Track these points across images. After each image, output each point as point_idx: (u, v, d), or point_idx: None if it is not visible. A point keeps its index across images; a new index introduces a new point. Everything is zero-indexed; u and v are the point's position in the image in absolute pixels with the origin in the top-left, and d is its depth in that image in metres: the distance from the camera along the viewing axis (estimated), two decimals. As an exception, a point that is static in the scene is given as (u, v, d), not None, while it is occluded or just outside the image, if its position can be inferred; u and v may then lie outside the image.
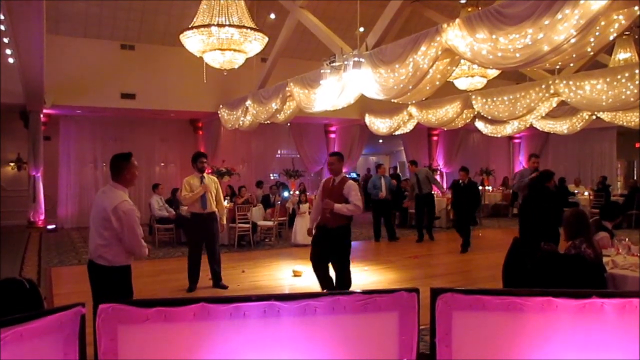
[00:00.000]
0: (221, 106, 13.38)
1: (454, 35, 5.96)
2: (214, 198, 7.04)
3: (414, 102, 10.69)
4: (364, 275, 8.06)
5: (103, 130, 14.79)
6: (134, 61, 13.03)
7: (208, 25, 7.04)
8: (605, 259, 4.70)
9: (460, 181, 10.35)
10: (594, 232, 5.14)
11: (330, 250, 5.89)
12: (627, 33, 9.98)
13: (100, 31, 12.53)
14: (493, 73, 9.51)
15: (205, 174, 7.12)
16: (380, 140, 20.22)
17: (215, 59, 7.68)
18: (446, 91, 10.31)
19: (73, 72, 12.21)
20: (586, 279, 4.30)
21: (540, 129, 13.76)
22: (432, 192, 11.53)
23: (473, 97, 10.73)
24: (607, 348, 1.76)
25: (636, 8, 4.71)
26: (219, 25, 7.00)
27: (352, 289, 6.96)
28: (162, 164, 15.99)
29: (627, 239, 5.35)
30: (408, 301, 1.77)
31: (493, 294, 1.80)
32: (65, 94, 12.27)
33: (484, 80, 10.02)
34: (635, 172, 19.44)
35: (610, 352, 1.77)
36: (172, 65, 12.93)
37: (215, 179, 7.35)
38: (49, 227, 13.23)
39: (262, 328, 1.64)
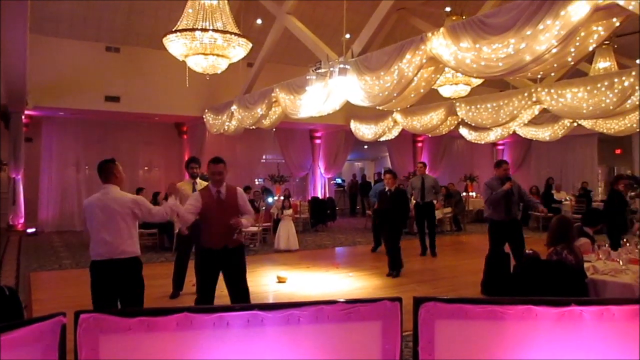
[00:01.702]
0: (206, 110, 13.34)
1: (439, 43, 6.03)
2: None
3: (399, 109, 10.76)
4: (349, 282, 8.07)
5: (86, 132, 14.64)
6: (119, 63, 12.93)
7: (192, 30, 7.03)
8: (586, 265, 4.78)
9: (387, 189, 8.42)
10: (576, 238, 5.23)
11: (236, 274, 5.19)
12: (606, 43, 10.16)
13: (85, 32, 12.42)
14: (477, 81, 9.62)
15: (198, 180, 6.82)
16: (366, 146, 20.30)
17: (198, 64, 7.67)
18: (431, 98, 10.41)
19: (56, 73, 12.08)
20: (568, 285, 4.36)
21: (523, 136, 13.93)
22: (434, 202, 10.46)
23: (457, 104, 10.84)
24: (586, 355, 1.78)
25: (614, 20, 4.81)
26: (203, 30, 7.00)
27: (336, 297, 6.96)
28: (146, 168, 15.89)
29: (607, 245, 5.45)
30: (391, 310, 1.78)
31: (475, 302, 1.82)
32: (48, 95, 12.13)
33: (468, 88, 10.13)
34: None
35: (588, 358, 1.80)
36: (157, 68, 12.85)
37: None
38: (29, 230, 13.05)
39: (246, 338, 1.64)
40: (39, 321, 1.52)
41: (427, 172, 10.51)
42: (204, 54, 7.09)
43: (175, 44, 7.02)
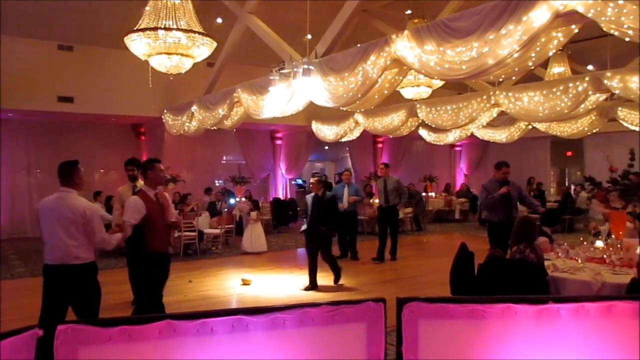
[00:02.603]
0: (165, 111, 13.09)
1: (403, 46, 6.09)
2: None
3: (361, 110, 10.82)
4: (314, 283, 8.06)
5: (38, 135, 14.10)
6: (73, 63, 12.51)
7: (155, 29, 6.87)
8: (546, 263, 4.92)
9: (314, 194, 7.85)
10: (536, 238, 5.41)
11: (165, 280, 5.30)
12: (561, 49, 10.49)
13: (36, 30, 11.94)
14: (438, 83, 9.77)
15: (139, 183, 6.19)
16: (326, 147, 20.36)
17: (161, 63, 7.51)
18: (392, 100, 10.49)
19: (5, 73, 11.55)
20: (531, 283, 4.48)
21: (481, 138, 14.27)
22: (397, 206, 10.03)
23: (418, 106, 10.99)
24: (564, 349, 1.83)
25: (573, 26, 4.97)
26: (166, 29, 6.85)
27: (301, 299, 6.96)
28: (102, 171, 15.46)
29: (565, 244, 5.63)
30: (375, 311, 1.78)
31: (457, 302, 1.84)
32: (-4, 95, 11.64)
33: (430, 90, 10.28)
34: (567, 179, 20.44)
35: (564, 354, 1.85)
36: (114, 68, 12.51)
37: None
38: (-23, 238, 12.49)
39: (231, 343, 1.61)
40: (12, 335, 1.44)
41: (389, 174, 10.12)
42: (167, 53, 6.94)
43: (137, 43, 6.84)
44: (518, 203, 7.28)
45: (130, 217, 4.75)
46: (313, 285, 7.60)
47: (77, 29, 12.23)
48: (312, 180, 8.28)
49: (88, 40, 12.54)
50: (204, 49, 7.11)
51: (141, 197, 4.91)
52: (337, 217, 8.19)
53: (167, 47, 6.85)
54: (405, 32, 6.07)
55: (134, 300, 5.77)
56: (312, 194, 7.91)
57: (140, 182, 6.10)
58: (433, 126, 11.81)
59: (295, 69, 7.65)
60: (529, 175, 17.18)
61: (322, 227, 7.57)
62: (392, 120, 11.91)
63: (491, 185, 7.03)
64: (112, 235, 4.44)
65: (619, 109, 10.88)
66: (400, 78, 7.22)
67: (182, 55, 7.07)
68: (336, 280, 7.84)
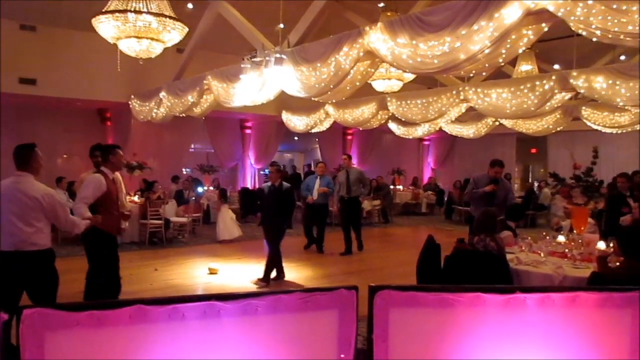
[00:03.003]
0: (132, 97, 12.82)
1: (376, 38, 6.10)
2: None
3: (333, 101, 10.82)
4: (281, 273, 8.05)
5: (-2, 118, 13.66)
6: (35, 44, 12.09)
7: (124, 11, 6.70)
8: (510, 256, 5.04)
9: (271, 184, 7.65)
10: (498, 230, 5.54)
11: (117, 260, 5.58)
12: (529, 47, 10.69)
13: (-4, 8, 11.52)
14: (409, 76, 9.83)
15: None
16: (296, 138, 20.30)
17: (131, 47, 7.32)
18: (363, 92, 10.51)
19: (-39, 53, 11.14)
20: (495, 273, 4.59)
21: (449, 132, 14.43)
22: (360, 197, 9.98)
23: (388, 99, 11.05)
24: (530, 337, 1.88)
25: (543, 25, 5.06)
26: (136, 12, 6.69)
27: (269, 288, 6.95)
28: (65, 156, 15.08)
29: (529, 238, 5.77)
30: (347, 298, 1.79)
31: (427, 290, 1.86)
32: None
33: (401, 83, 10.33)
34: (530, 175, 20.92)
35: (531, 341, 1.90)
36: (79, 50, 12.14)
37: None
38: None
39: (202, 329, 1.59)
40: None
41: (354, 165, 9.98)
42: (137, 37, 6.78)
43: (105, 26, 6.65)
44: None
45: (92, 194, 4.82)
46: (278, 274, 7.58)
47: (40, 9, 11.80)
48: (269, 169, 7.94)
49: (52, 21, 12.14)
50: (175, 33, 6.97)
51: (105, 178, 4.99)
52: (291, 210, 7.90)
53: (137, 30, 6.69)
54: (379, 24, 6.08)
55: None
56: (269, 183, 7.68)
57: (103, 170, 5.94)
58: (403, 120, 11.89)
59: (267, 58, 7.58)
60: (475, 174, 17.50)
61: (276, 219, 7.39)
62: (363, 113, 11.94)
63: (481, 180, 6.91)
64: (81, 222, 4.44)
65: (583, 108, 11.16)
66: (372, 70, 7.24)
67: (152, 39, 6.92)
68: (278, 276, 7.53)
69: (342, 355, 1.78)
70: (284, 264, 7.69)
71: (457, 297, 1.86)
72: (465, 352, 1.84)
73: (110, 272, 5.28)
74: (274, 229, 7.49)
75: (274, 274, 7.51)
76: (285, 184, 7.75)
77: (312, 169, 19.60)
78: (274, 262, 7.48)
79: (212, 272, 7.83)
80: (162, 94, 11.19)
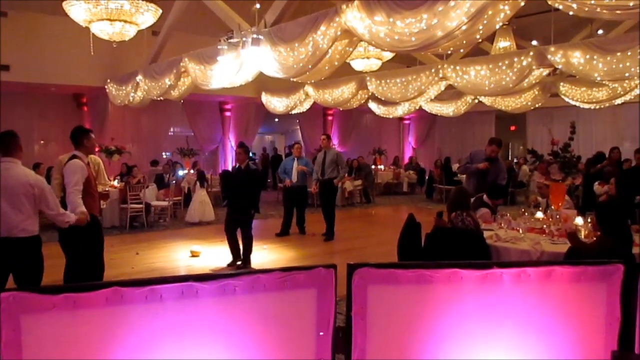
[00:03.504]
0: (109, 81, 12.61)
1: (353, 16, 6.05)
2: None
3: (312, 81, 10.75)
4: (263, 254, 8.09)
5: (-29, 104, 13.34)
6: (8, 29, 11.76)
7: (95, -7, 6.56)
8: (489, 233, 5.11)
9: (237, 165, 7.50)
10: (473, 207, 5.63)
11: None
12: (506, 23, 10.69)
13: (-34, -6, 11.21)
14: (388, 55, 9.80)
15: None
16: (276, 119, 20.23)
17: (103, 30, 7.20)
18: (343, 72, 10.47)
19: None
20: (473, 249, 4.65)
21: (429, 111, 14.49)
22: (334, 180, 9.45)
23: (368, 78, 11.03)
24: (506, 311, 1.91)
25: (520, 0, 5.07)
26: (108, -6, 6.56)
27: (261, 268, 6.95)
28: (42, 142, 14.83)
29: (508, 215, 5.84)
30: (326, 277, 1.79)
31: (405, 267, 1.88)
32: None
33: (379, 62, 10.31)
34: (509, 153, 21.13)
35: (507, 315, 1.93)
36: (52, 35, 11.89)
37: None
38: None
39: (180, 310, 1.59)
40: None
41: (333, 146, 9.57)
42: (109, 19, 6.65)
43: (77, 9, 6.51)
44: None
45: (80, 181, 4.82)
46: (234, 259, 7.33)
47: (11, -6, 11.52)
48: (237, 149, 7.53)
49: (24, 6, 11.84)
50: (148, 15, 6.86)
51: (84, 164, 4.99)
52: (258, 192, 7.57)
53: (109, 13, 6.56)
54: (355, 2, 6.02)
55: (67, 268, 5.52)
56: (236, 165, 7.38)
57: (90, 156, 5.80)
58: (382, 99, 11.90)
59: (244, 39, 7.50)
60: (472, 149, 17.64)
61: (242, 202, 7.12)
62: (342, 93, 11.91)
63: (477, 155, 6.91)
64: (71, 217, 4.47)
65: (561, 84, 11.27)
66: (351, 49, 7.20)
67: (125, 22, 6.79)
68: (244, 263, 7.26)
69: (321, 333, 1.79)
70: (271, 245, 7.74)
71: (435, 273, 1.87)
72: (443, 327, 1.86)
73: (95, 255, 5.22)
74: (241, 213, 7.21)
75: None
76: (252, 165, 7.55)
77: (291, 150, 19.56)
78: (250, 244, 7.28)
79: (194, 254, 7.82)
80: (139, 78, 11.03)
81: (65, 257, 5.28)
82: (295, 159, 9.76)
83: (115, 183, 11.02)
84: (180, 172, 12.96)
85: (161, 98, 11.15)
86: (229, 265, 7.28)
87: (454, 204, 5.03)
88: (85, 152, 5.12)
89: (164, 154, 16.64)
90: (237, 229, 7.24)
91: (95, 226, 5.18)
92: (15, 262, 4.08)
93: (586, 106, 11.92)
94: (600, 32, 11.72)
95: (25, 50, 11.83)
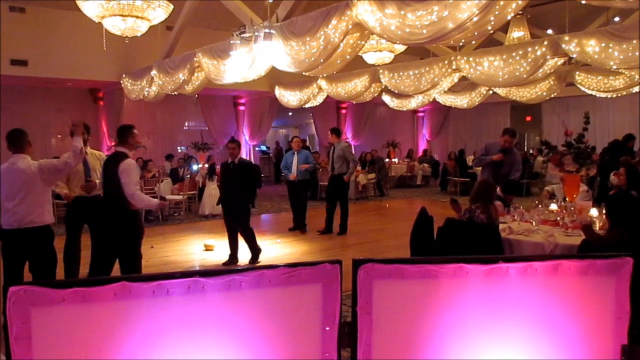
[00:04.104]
0: (124, 75, 12.72)
1: (364, 9, 6.03)
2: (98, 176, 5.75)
3: (324, 75, 10.74)
4: (276, 248, 8.14)
5: (-10, 99, 13.56)
6: (25, 25, 11.97)
7: (108, -11, 6.62)
8: (502, 226, 5.07)
9: (230, 160, 7.18)
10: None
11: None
12: (520, 13, 10.57)
13: (-16, -9, 11.37)
14: (400, 48, 9.74)
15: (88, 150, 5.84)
16: (290, 113, 20.23)
17: (115, 26, 7.25)
18: (355, 65, 10.45)
19: (-47, 36, 11.01)
20: (483, 243, 4.62)
21: (442, 103, 14.40)
22: (344, 175, 9.16)
23: (381, 71, 10.98)
24: (512, 306, 1.91)
25: (532, -10, 5.01)
26: (121, -10, 6.61)
27: (265, 264, 6.97)
28: (59, 136, 15.01)
29: (521, 207, 5.80)
30: (331, 273, 1.81)
31: (410, 262, 1.88)
32: (-56, 59, 11.08)
33: (392, 55, 10.24)
34: (525, 144, 20.92)
35: (513, 311, 1.92)
36: (69, 30, 12.04)
37: (100, 155, 6.06)
38: None
39: (187, 305, 1.61)
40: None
41: (347, 140, 9.42)
42: (121, 15, 6.70)
43: (90, 5, 6.57)
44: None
45: (137, 179, 5.11)
46: (231, 260, 7.14)
47: (28, -11, 11.67)
48: (229, 145, 7.29)
49: (40, 2, 12.00)
50: (160, 11, 6.90)
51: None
52: (252, 187, 7.35)
53: (121, 9, 6.61)
54: (367, -5, 6.00)
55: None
56: (229, 160, 7.22)
57: (88, 148, 5.86)
58: (396, 92, 11.85)
59: (256, 33, 7.51)
60: (488, 141, 17.48)
61: (236, 198, 6.93)
62: (355, 86, 11.88)
63: (493, 147, 6.85)
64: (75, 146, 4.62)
65: (577, 73, 11.11)
66: (362, 43, 7.17)
67: (137, 17, 6.84)
68: (252, 259, 7.10)
69: (327, 328, 1.80)
70: (285, 238, 7.71)
71: (440, 268, 1.87)
72: (449, 322, 1.87)
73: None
74: (236, 209, 7.04)
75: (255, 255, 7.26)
76: (245, 160, 7.26)
77: (307, 143, 19.57)
78: (252, 239, 7.14)
79: (208, 248, 7.88)
80: (153, 72, 11.11)
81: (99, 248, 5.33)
82: (295, 153, 9.54)
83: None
84: (194, 166, 13.05)
85: (175, 93, 11.22)
86: (224, 264, 7.08)
87: (477, 196, 4.95)
88: (129, 148, 5.19)
89: (179, 148, 16.77)
90: (236, 226, 7.08)
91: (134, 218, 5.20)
92: (27, 253, 4.31)
93: (602, 95, 11.75)
94: (616, 19, 11.53)
95: (42, 46, 11.99)
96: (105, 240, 5.12)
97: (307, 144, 20.29)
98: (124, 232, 4.96)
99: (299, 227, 9.47)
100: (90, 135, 5.57)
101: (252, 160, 17.71)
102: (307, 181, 9.73)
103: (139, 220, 5.23)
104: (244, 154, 17.49)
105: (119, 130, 5.26)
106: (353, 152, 9.65)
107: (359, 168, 14.97)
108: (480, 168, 7.82)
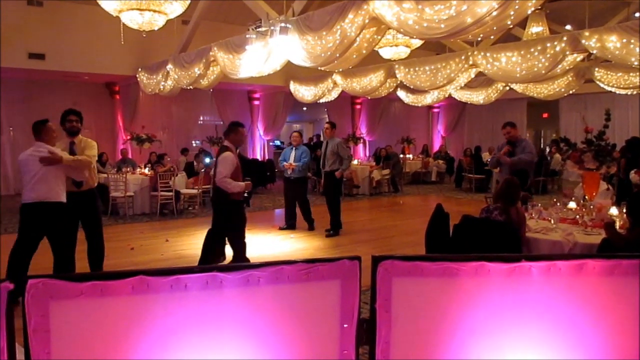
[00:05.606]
0: (140, 69, 12.78)
1: (381, 4, 5.98)
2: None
3: (340, 70, 10.69)
4: (290, 243, 8.13)
5: (8, 93, 13.66)
6: (43, 19, 12.07)
7: (126, -17, 6.63)
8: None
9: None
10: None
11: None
12: (539, 8, 10.41)
13: (3, -16, 11.46)
14: (417, 43, 9.67)
15: (77, 139, 5.73)
16: (305, 108, 20.21)
17: (133, 20, 7.26)
18: (371, 60, 10.38)
19: (-27, 29, 11.13)
20: (501, 242, 4.55)
21: (458, 99, 14.27)
22: (336, 172, 8.72)
23: (396, 66, 10.90)
24: (534, 307, 1.87)
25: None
26: (138, -16, 6.62)
27: (278, 258, 6.94)
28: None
29: (539, 204, 5.72)
30: (350, 269, 1.78)
31: (430, 260, 1.85)
32: (-35, 52, 11.20)
33: (408, 50, 10.17)
34: (542, 141, 20.71)
35: (535, 311, 1.89)
36: (86, 24, 12.12)
37: (92, 143, 5.78)
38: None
39: (204, 299, 1.60)
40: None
41: (334, 135, 8.98)
42: (139, 9, 6.71)
43: (107, -2, 6.60)
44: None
45: (228, 173, 5.65)
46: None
47: (45, -17, 11.75)
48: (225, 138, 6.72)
49: (57, -5, 12.09)
50: (177, 5, 6.89)
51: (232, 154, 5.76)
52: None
53: (139, 3, 6.62)
54: (384, -11, 5.94)
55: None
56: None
57: (79, 137, 5.75)
58: (411, 87, 11.76)
59: (272, 28, 7.49)
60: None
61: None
62: (371, 81, 11.82)
63: (502, 146, 6.85)
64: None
65: (596, 69, 10.94)
66: (379, 37, 7.11)
67: (154, 11, 6.85)
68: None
69: (345, 325, 1.78)
70: (298, 233, 7.63)
71: (461, 267, 1.84)
72: (469, 322, 1.83)
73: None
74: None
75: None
76: (239, 154, 6.63)
77: (321, 139, 19.48)
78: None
79: (223, 243, 7.88)
80: (169, 67, 11.14)
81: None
82: (294, 148, 9.15)
83: (146, 171, 11.21)
84: (207, 160, 13.07)
85: (191, 87, 11.25)
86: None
87: (500, 195, 4.85)
88: (234, 143, 5.90)
89: (194, 142, 16.84)
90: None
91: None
92: (44, 224, 4.95)
93: (622, 92, 11.56)
94: (637, 15, 11.33)
95: (59, 40, 12.09)
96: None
97: (322, 138, 20.23)
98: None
99: (291, 226, 9.10)
100: (83, 123, 6.03)
101: (267, 155, 17.72)
102: (304, 179, 9.38)
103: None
104: (257, 149, 17.53)
105: (228, 127, 6.11)
106: (345, 147, 9.28)
107: (373, 163, 14.94)
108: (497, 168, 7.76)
